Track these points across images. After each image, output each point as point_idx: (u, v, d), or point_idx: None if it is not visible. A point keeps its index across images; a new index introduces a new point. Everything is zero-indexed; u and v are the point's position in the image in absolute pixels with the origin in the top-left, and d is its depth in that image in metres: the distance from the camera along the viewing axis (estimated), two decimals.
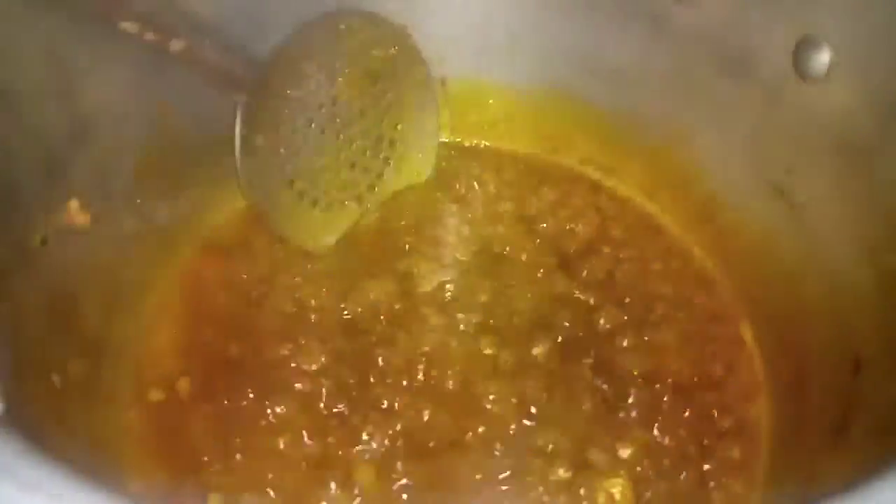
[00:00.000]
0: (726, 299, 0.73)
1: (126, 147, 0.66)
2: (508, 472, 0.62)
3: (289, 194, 0.71)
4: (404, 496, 0.61)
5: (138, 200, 0.69)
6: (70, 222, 0.63)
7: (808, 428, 0.61)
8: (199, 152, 0.71)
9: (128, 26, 0.58)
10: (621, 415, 0.65)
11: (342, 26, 0.71)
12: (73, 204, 0.63)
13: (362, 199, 0.76)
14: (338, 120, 0.72)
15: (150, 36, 0.59)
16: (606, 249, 0.76)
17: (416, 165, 0.79)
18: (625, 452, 0.64)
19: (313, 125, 0.71)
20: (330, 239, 0.75)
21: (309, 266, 0.73)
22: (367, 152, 0.75)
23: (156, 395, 0.66)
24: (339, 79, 0.72)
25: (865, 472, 0.39)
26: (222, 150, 0.68)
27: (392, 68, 0.75)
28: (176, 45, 0.61)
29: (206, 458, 0.62)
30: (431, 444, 0.63)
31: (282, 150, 0.70)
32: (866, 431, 0.54)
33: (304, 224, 0.73)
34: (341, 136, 0.73)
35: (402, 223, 0.77)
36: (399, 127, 0.77)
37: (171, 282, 0.72)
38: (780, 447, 0.63)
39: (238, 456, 0.62)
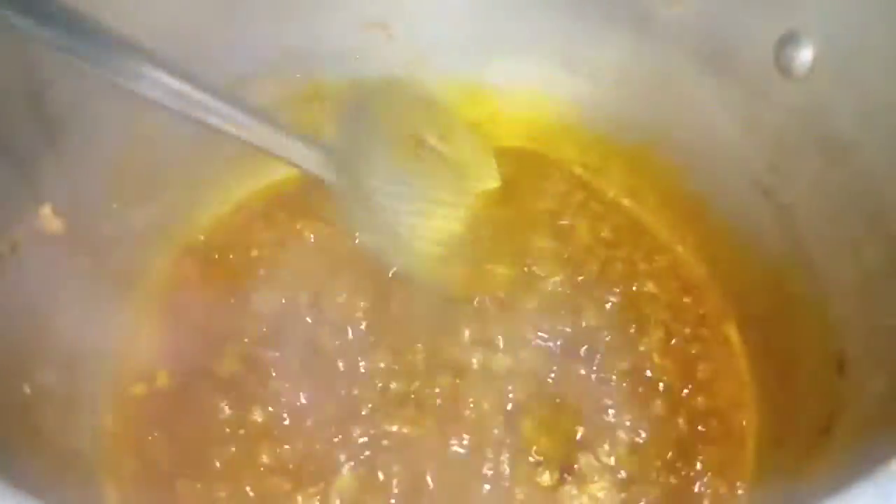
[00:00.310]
0: (712, 300, 0.72)
1: (99, 151, 0.65)
2: (493, 475, 0.62)
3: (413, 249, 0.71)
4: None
5: (114, 205, 0.68)
6: (43, 228, 0.62)
7: (794, 428, 0.61)
8: (175, 155, 0.70)
9: (215, 121, 0.59)
10: (606, 417, 0.65)
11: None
12: (46, 210, 0.62)
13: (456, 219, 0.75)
14: (415, 174, 0.73)
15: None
16: (594, 249, 0.75)
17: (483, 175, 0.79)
18: (609, 457, 0.63)
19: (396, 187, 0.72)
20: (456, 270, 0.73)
21: (288, 269, 0.72)
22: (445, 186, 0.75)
23: (132, 402, 0.65)
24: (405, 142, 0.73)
25: (850, 471, 0.38)
26: (198, 151, 0.66)
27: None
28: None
29: (181, 468, 0.61)
30: (414, 452, 0.62)
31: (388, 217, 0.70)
32: (851, 431, 0.53)
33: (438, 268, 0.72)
34: (423, 185, 0.73)
35: None
36: (458, 150, 0.77)
37: (149, 288, 0.71)
38: (766, 448, 0.63)
39: (216, 464, 0.61)
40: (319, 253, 0.73)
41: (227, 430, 0.63)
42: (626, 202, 0.79)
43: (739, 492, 0.63)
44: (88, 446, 0.63)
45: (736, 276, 0.72)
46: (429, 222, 0.72)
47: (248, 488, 0.61)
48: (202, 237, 0.75)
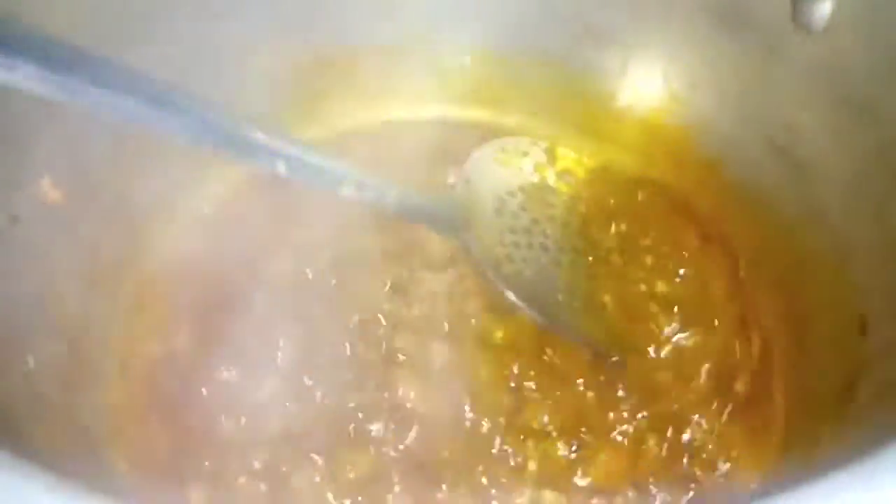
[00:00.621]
0: (729, 262, 0.70)
1: (99, 121, 0.63)
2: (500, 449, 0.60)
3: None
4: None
5: (115, 177, 0.66)
6: (42, 200, 0.61)
7: (815, 394, 0.59)
8: None
9: (347, 192, 0.59)
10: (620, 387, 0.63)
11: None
12: (45, 181, 0.60)
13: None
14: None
15: (368, 196, 0.60)
16: (606, 211, 0.73)
17: None
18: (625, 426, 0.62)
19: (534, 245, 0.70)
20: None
21: (296, 242, 0.71)
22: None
23: (137, 374, 0.64)
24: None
25: (873, 439, 0.37)
26: None
27: None
28: (391, 202, 0.62)
29: (190, 443, 0.60)
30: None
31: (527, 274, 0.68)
32: (874, 396, 0.51)
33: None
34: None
35: None
36: None
37: (153, 260, 0.70)
38: (787, 415, 0.61)
39: (224, 436, 0.61)
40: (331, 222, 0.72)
41: (235, 401, 0.62)
42: (638, 165, 0.76)
43: (761, 462, 0.61)
44: (95, 419, 0.62)
45: (754, 237, 0.69)
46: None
47: (255, 462, 0.59)
48: (208, 210, 0.73)
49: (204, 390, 0.63)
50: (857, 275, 0.58)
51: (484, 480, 0.59)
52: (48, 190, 0.61)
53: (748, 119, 0.68)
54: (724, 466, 0.61)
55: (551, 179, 0.74)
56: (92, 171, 0.65)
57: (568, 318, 0.68)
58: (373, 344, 0.65)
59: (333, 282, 0.69)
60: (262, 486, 0.59)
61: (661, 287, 0.69)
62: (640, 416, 0.62)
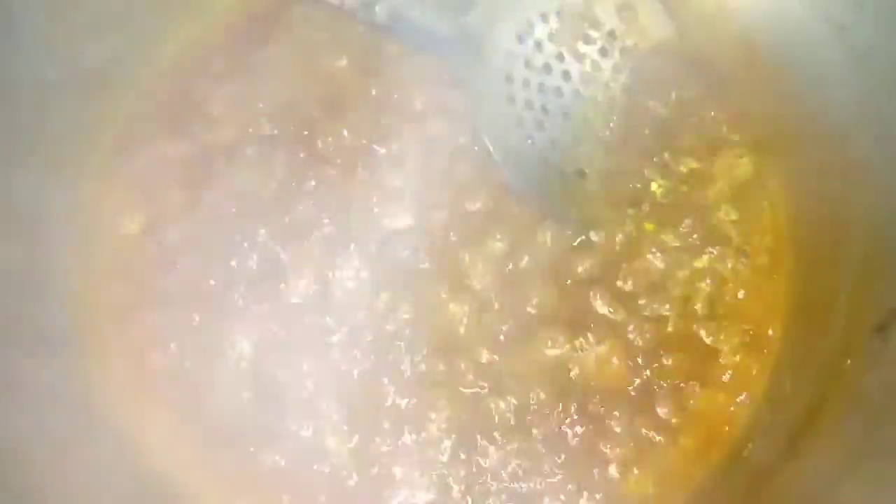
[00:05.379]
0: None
1: None
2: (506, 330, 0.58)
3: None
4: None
5: (57, 45, 0.57)
6: None
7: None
8: None
9: None
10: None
11: None
12: None
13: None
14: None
15: (351, 4, 0.55)
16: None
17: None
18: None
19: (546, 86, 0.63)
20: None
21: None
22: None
23: (102, 267, 0.60)
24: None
25: None
26: None
27: None
28: (381, 11, 0.57)
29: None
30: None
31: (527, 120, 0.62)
32: None
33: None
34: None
35: None
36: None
37: (108, 139, 0.62)
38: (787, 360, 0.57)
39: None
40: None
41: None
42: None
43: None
44: (62, 320, 0.58)
45: (787, 140, 0.61)
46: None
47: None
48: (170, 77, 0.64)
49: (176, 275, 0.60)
50: None
51: None
52: None
53: None
54: None
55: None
56: (29, 41, 0.55)
57: (549, 186, 0.62)
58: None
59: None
60: None
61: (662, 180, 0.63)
62: None
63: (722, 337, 0.58)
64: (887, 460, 0.44)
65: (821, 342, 0.53)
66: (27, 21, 0.56)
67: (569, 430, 0.56)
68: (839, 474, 0.46)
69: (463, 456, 0.55)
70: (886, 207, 0.52)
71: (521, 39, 0.63)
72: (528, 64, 0.63)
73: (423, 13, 0.57)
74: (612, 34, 0.65)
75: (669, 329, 0.58)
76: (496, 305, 0.59)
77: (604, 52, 0.65)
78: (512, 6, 0.63)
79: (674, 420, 0.56)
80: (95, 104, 0.62)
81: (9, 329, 0.54)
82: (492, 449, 0.55)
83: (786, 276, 0.59)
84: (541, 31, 0.63)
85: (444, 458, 0.55)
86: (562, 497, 0.54)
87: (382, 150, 0.64)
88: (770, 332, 0.57)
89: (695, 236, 0.61)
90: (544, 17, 0.63)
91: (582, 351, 0.58)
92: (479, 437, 0.55)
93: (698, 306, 0.59)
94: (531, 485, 0.54)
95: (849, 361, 0.49)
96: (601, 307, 0.59)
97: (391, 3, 0.55)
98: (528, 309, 0.59)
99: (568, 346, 0.58)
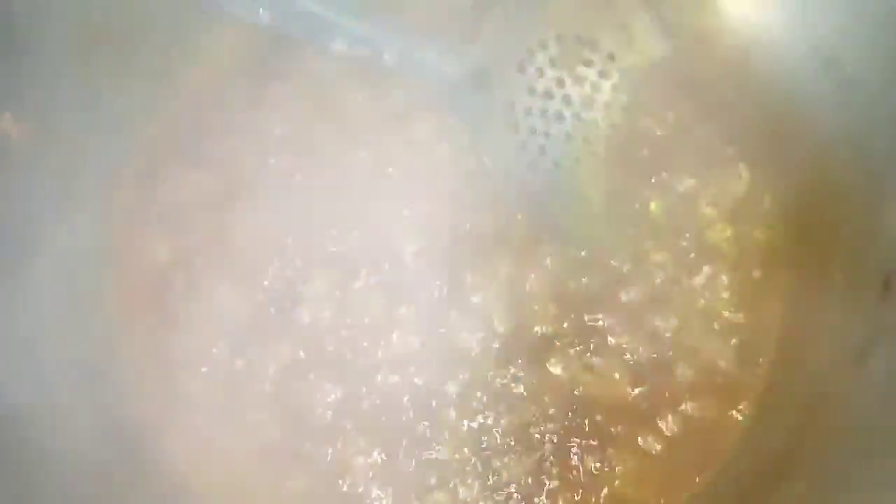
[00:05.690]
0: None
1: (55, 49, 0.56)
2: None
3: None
4: None
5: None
6: (6, 136, 0.56)
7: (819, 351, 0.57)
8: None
9: (337, 46, 0.57)
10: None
11: None
12: (5, 117, 0.55)
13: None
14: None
15: (361, 52, 0.57)
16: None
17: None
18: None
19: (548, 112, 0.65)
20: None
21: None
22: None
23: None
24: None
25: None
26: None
27: None
28: (390, 56, 0.59)
29: None
30: None
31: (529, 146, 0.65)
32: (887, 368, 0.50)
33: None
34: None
35: None
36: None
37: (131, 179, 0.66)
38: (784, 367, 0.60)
39: None
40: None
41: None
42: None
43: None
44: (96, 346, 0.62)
45: (777, 160, 0.64)
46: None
47: None
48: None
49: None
50: (891, 227, 0.54)
51: None
52: (9, 125, 0.56)
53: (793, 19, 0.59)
54: None
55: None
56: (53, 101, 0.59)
57: (552, 209, 0.65)
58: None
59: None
60: None
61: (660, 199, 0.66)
62: None
63: (718, 353, 0.61)
64: (871, 493, 0.47)
65: (810, 363, 0.56)
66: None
67: (575, 445, 0.59)
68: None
69: (479, 470, 0.59)
70: (868, 234, 0.55)
71: (522, 68, 0.65)
72: (530, 91, 0.65)
73: (429, 55, 0.59)
74: (611, 56, 0.68)
75: (668, 345, 0.62)
76: (503, 326, 0.63)
77: (603, 73, 0.68)
78: (512, 36, 0.65)
79: (673, 433, 0.59)
80: (119, 139, 0.65)
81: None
82: (502, 464, 0.59)
83: (780, 293, 0.62)
84: (541, 58, 0.66)
85: (460, 476, 0.59)
86: None
87: (393, 176, 0.67)
88: (765, 348, 0.61)
89: (692, 254, 0.64)
90: (543, 44, 0.66)
91: (585, 368, 0.61)
92: (490, 453, 0.59)
93: (696, 322, 0.62)
94: (541, 498, 0.58)
95: (834, 386, 0.52)
96: (603, 324, 0.62)
97: (399, 48, 0.58)
98: (534, 328, 0.63)
99: (572, 364, 0.61)
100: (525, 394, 0.60)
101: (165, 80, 0.68)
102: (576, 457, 0.59)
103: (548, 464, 0.58)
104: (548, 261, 0.64)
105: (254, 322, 0.63)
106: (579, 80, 0.67)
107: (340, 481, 0.58)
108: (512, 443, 0.59)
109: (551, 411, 0.60)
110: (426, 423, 0.59)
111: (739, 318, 0.62)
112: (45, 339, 0.58)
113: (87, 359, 0.60)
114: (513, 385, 0.61)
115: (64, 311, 0.60)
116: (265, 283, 0.64)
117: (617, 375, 0.61)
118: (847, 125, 0.58)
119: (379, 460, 0.59)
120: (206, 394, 0.61)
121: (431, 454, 0.59)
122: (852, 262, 0.56)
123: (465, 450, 0.59)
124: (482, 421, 0.60)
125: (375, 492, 0.58)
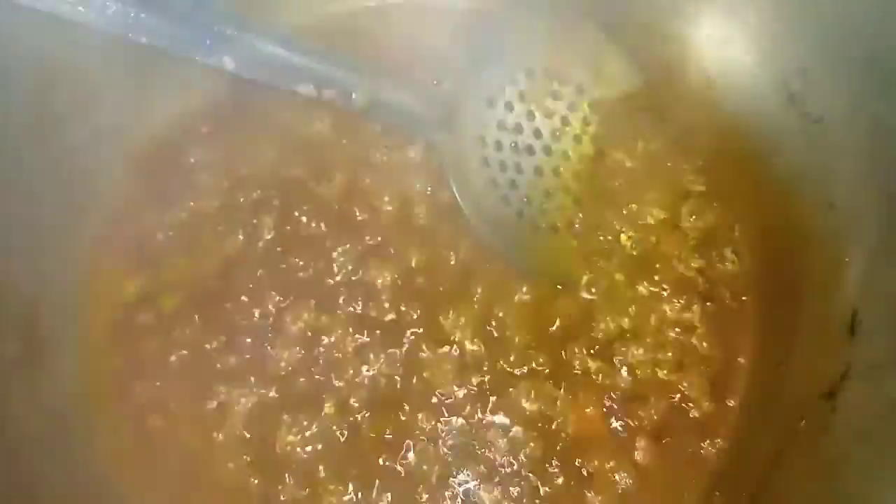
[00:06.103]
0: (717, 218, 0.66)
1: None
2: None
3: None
4: None
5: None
6: None
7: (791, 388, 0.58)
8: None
9: (304, 90, 0.58)
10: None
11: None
12: None
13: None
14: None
15: (329, 94, 0.58)
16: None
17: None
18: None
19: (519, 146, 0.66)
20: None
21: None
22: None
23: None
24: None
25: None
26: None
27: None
28: (359, 97, 0.61)
29: None
30: None
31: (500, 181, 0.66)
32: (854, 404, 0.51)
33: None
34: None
35: None
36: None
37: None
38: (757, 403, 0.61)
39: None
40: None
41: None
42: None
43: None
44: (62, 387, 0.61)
45: (745, 192, 0.65)
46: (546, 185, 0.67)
47: None
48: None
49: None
50: (855, 267, 0.54)
51: None
52: None
53: (759, 55, 0.60)
54: None
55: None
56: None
57: (524, 242, 0.66)
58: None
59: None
60: None
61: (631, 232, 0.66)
62: None
63: (691, 384, 0.61)
64: None
65: (780, 398, 0.57)
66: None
67: (549, 478, 0.59)
68: None
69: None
70: (835, 268, 0.56)
71: (492, 103, 0.66)
72: (500, 126, 0.66)
73: (398, 95, 0.60)
74: (579, 88, 0.68)
75: (641, 377, 0.62)
76: (476, 359, 0.62)
77: (572, 106, 0.68)
78: (481, 73, 0.65)
79: (647, 466, 0.59)
80: (85, 178, 0.64)
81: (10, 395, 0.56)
82: (479, 497, 0.58)
83: (751, 325, 0.63)
84: (510, 93, 0.66)
85: None
86: None
87: (364, 210, 0.67)
88: (737, 381, 0.61)
89: (664, 286, 0.65)
90: (513, 80, 0.66)
91: (560, 401, 0.61)
92: (471, 486, 0.59)
93: (668, 354, 0.63)
94: None
95: (803, 422, 0.52)
96: (577, 357, 0.62)
97: (367, 89, 0.58)
98: (508, 361, 0.62)
99: (547, 397, 0.61)
100: (500, 428, 0.60)
101: (133, 118, 0.67)
102: (550, 491, 0.59)
103: (522, 495, 0.58)
104: (520, 294, 0.64)
105: (223, 360, 0.62)
106: (549, 113, 0.68)
107: None
108: (491, 475, 0.59)
109: (528, 448, 0.59)
110: (404, 457, 0.59)
111: (712, 350, 0.63)
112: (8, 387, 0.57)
113: (53, 404, 0.59)
114: (487, 418, 0.60)
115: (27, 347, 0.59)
116: (234, 320, 0.63)
117: (591, 409, 0.61)
118: (812, 160, 0.59)
119: (351, 498, 0.58)
120: (176, 433, 0.60)
121: (407, 493, 0.58)
122: (821, 296, 0.56)
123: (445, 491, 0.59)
124: (460, 455, 0.59)
125: None
